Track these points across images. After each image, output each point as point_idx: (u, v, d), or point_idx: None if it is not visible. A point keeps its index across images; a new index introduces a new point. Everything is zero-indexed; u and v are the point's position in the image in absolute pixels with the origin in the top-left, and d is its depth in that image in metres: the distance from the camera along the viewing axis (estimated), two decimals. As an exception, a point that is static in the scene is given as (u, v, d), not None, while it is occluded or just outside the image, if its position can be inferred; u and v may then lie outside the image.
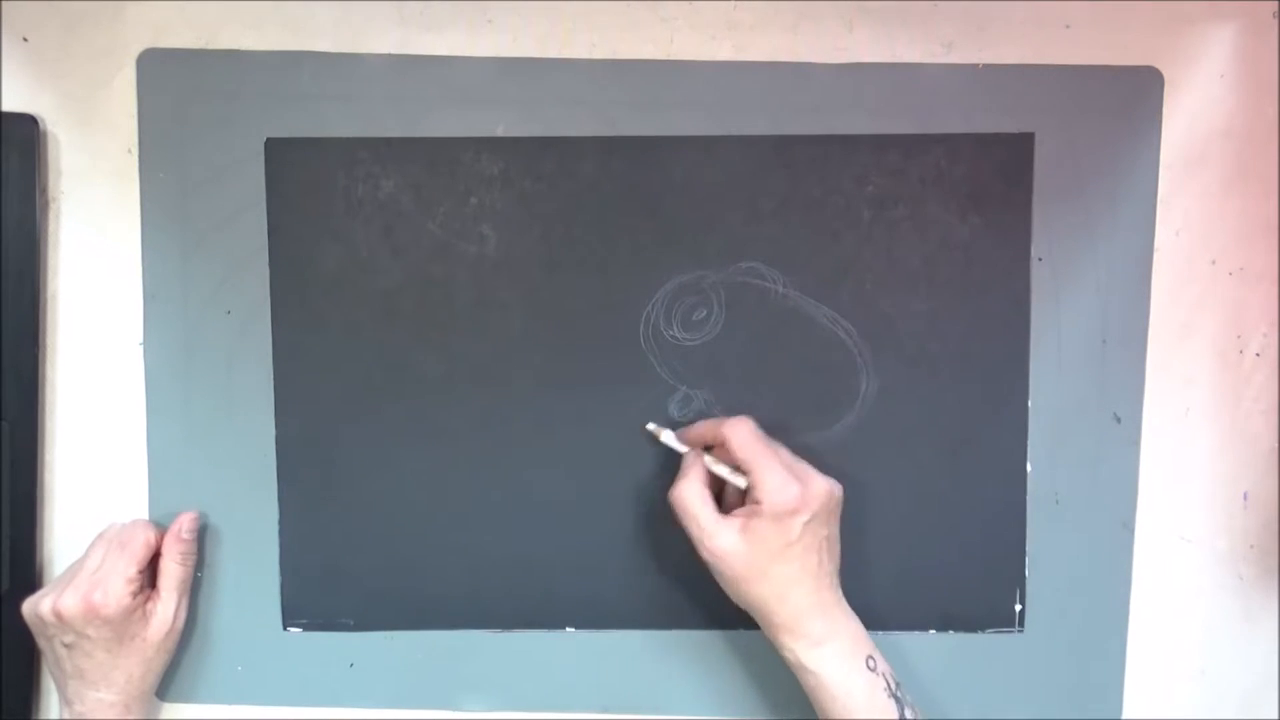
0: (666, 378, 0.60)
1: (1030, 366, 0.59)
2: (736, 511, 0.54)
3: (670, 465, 0.59)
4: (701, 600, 0.61)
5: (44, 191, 0.60)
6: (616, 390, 0.60)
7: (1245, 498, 0.61)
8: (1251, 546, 0.61)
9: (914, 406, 0.60)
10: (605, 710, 0.62)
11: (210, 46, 0.59)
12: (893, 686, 0.54)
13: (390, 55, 0.59)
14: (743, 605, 0.55)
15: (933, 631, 0.61)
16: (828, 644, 0.54)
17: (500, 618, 0.62)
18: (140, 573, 0.57)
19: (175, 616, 0.58)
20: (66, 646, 0.56)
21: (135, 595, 0.57)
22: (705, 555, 0.54)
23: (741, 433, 0.55)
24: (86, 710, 0.56)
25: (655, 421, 0.59)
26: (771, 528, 0.53)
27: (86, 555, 0.58)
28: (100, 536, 0.59)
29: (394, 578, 0.61)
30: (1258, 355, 0.60)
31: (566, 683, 0.62)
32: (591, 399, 0.60)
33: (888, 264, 0.59)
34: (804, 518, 0.53)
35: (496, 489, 0.61)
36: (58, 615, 0.55)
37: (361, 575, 0.61)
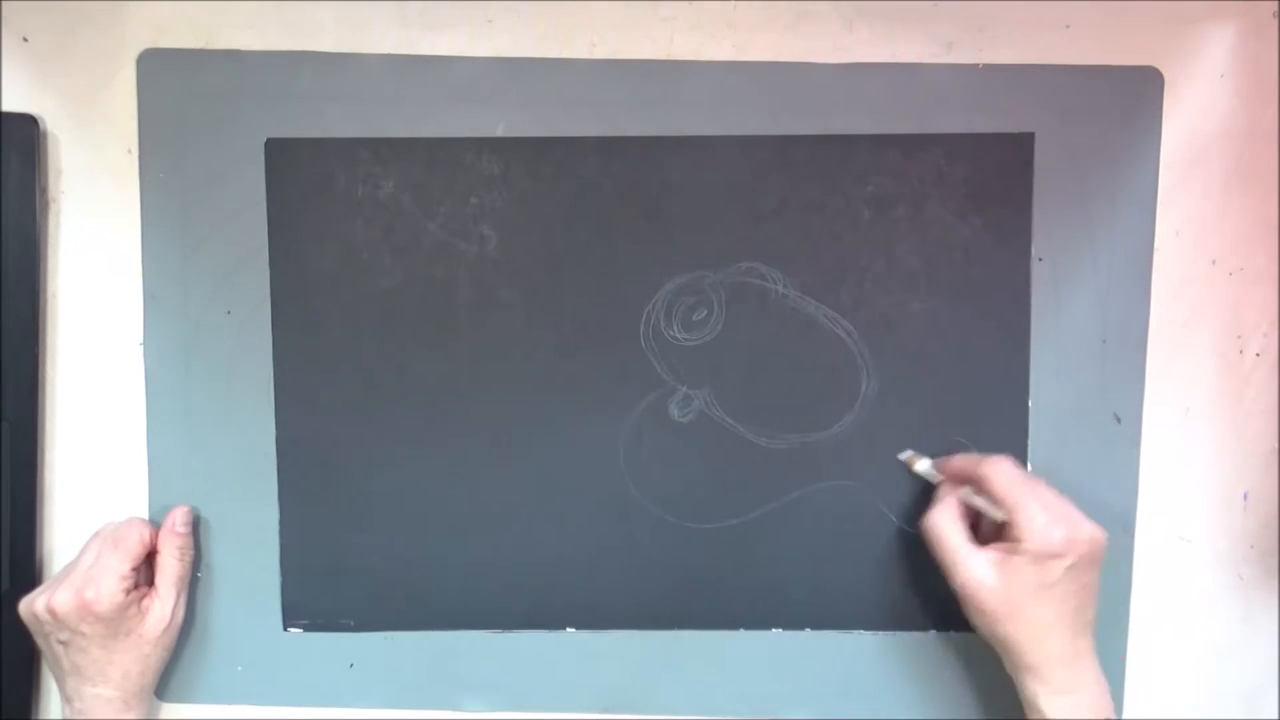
0: (666, 378, 0.60)
1: (1030, 366, 0.59)
2: (994, 545, 0.54)
3: (675, 451, 0.59)
4: (702, 600, 0.61)
5: (44, 191, 0.60)
6: (617, 390, 0.60)
7: (1245, 498, 0.61)
8: (1251, 546, 0.61)
9: (914, 406, 0.60)
10: (605, 710, 0.62)
11: (210, 46, 0.59)
12: None
13: (390, 55, 0.59)
14: (990, 641, 0.55)
15: (933, 631, 0.61)
16: (1071, 695, 0.53)
17: (500, 618, 0.62)
18: (134, 569, 0.57)
19: (173, 612, 0.58)
20: (62, 644, 0.56)
21: (129, 592, 0.57)
22: (957, 584, 0.54)
23: (1004, 471, 0.54)
24: (85, 707, 0.56)
25: (911, 450, 0.59)
26: (1031, 568, 0.52)
27: (81, 553, 0.58)
28: (95, 535, 0.59)
29: (394, 577, 0.61)
30: (1258, 355, 0.60)
31: (566, 683, 0.62)
32: (591, 399, 0.60)
33: (888, 264, 0.59)
34: (1068, 562, 0.52)
35: (497, 489, 0.61)
36: (51, 613, 0.55)
37: (362, 575, 0.61)
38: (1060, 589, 0.52)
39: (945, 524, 0.55)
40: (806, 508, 0.60)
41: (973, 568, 0.53)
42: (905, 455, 0.59)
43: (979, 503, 0.56)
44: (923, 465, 0.58)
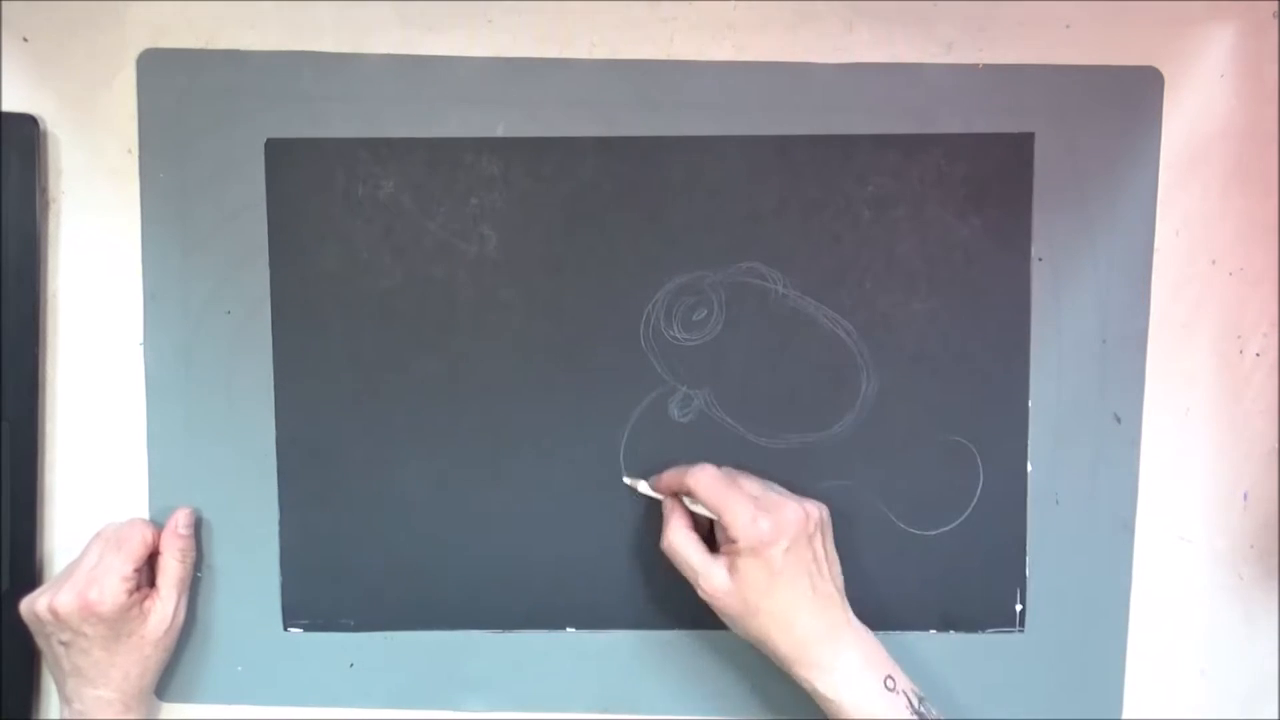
0: (667, 378, 0.60)
1: (1030, 366, 0.59)
2: (724, 549, 0.55)
3: (675, 452, 0.59)
4: (702, 601, 0.61)
5: (44, 191, 0.60)
6: (617, 390, 0.60)
7: (1245, 498, 0.61)
8: (1251, 546, 0.61)
9: (914, 406, 0.60)
10: (605, 710, 0.62)
11: (210, 46, 0.59)
12: (915, 703, 0.53)
13: (390, 55, 0.59)
14: (751, 643, 0.55)
15: (933, 631, 0.61)
16: (839, 668, 0.53)
17: (500, 618, 0.62)
18: (136, 571, 0.57)
19: (174, 614, 0.58)
20: (64, 645, 0.56)
21: (131, 593, 0.57)
22: (703, 596, 0.55)
23: (704, 480, 0.55)
24: (85, 708, 0.56)
25: (630, 473, 0.60)
26: (753, 563, 0.53)
27: (83, 554, 0.58)
28: (97, 535, 0.59)
29: (394, 578, 0.61)
30: (1258, 355, 0.60)
31: (566, 683, 0.62)
32: (591, 399, 0.60)
33: (888, 264, 0.59)
34: (781, 547, 0.53)
35: (497, 489, 0.61)
36: (54, 613, 0.55)
37: (362, 575, 0.61)
38: (787, 574, 0.53)
39: (679, 541, 0.55)
40: (806, 508, 0.60)
41: (712, 578, 0.54)
42: (627, 480, 0.60)
43: (697, 508, 0.56)
44: (642, 486, 0.59)
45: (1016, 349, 0.59)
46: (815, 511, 0.55)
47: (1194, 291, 0.60)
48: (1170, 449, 0.60)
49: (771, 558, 0.53)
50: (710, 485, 0.55)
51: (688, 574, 0.55)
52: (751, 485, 0.56)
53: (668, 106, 0.59)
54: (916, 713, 0.53)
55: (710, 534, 0.57)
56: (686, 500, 0.56)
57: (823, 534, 0.55)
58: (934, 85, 0.58)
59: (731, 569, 0.54)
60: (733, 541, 0.53)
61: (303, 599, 0.62)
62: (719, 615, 0.55)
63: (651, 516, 0.60)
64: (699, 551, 0.55)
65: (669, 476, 0.58)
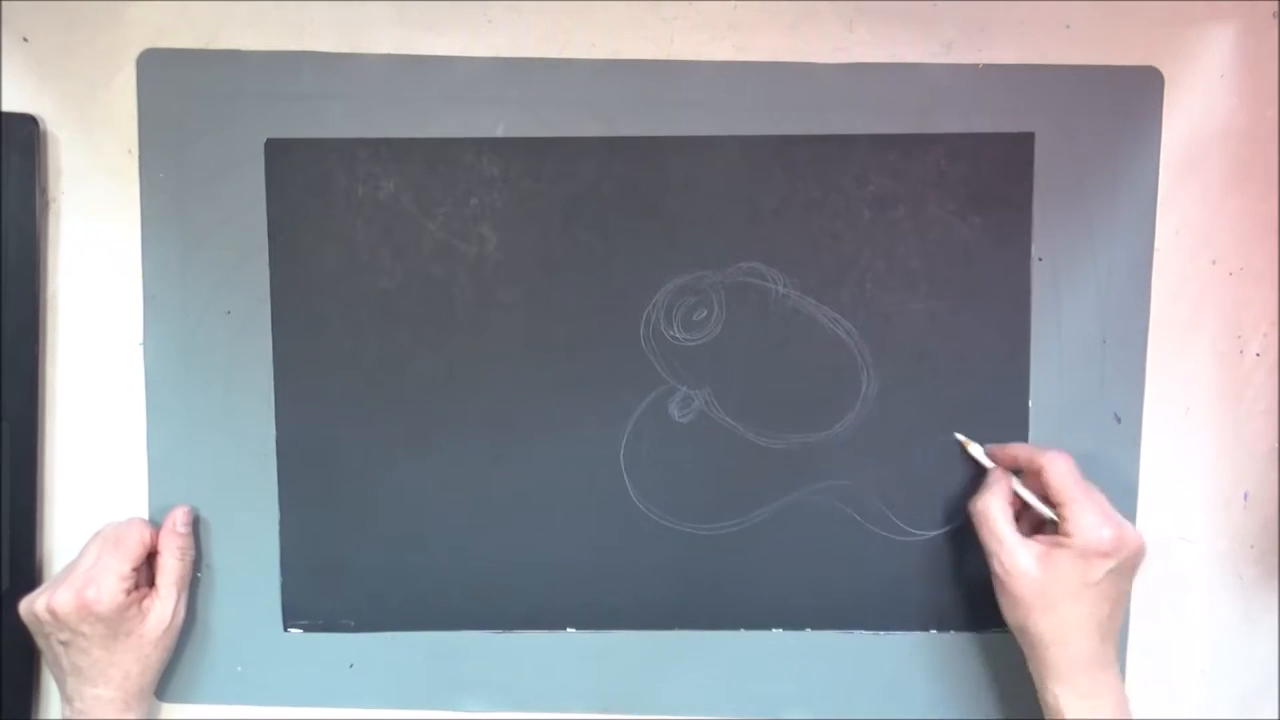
0: (667, 378, 0.60)
1: (1030, 366, 0.59)
2: (1040, 538, 0.54)
3: (676, 452, 0.59)
4: (702, 601, 0.61)
5: (44, 191, 0.60)
6: (617, 391, 0.60)
7: (1245, 498, 0.61)
8: (1251, 546, 0.61)
9: (914, 406, 0.60)
10: (605, 710, 0.62)
11: (210, 46, 0.59)
12: None
13: (390, 55, 0.59)
14: (1018, 632, 0.55)
15: (933, 631, 0.61)
16: (1091, 700, 0.53)
17: (500, 618, 0.62)
18: (135, 570, 0.57)
19: (174, 613, 0.58)
20: (63, 644, 0.56)
21: (130, 592, 0.57)
22: (998, 569, 0.54)
23: (1061, 466, 0.54)
24: (85, 707, 0.56)
25: (962, 435, 0.59)
26: (1075, 564, 0.52)
27: (82, 553, 0.58)
28: (96, 535, 0.59)
29: (395, 578, 0.61)
30: (1258, 355, 0.60)
31: (566, 683, 0.62)
32: (592, 399, 0.60)
33: (888, 264, 0.59)
34: (1111, 564, 0.52)
35: (497, 489, 0.61)
36: (52, 613, 0.55)
37: (362, 575, 0.61)
38: (1099, 590, 0.52)
39: (995, 509, 0.55)
40: (807, 508, 0.60)
41: (1018, 556, 0.53)
42: (960, 436, 0.59)
43: (1027, 495, 0.56)
44: (975, 449, 0.59)
45: (1016, 349, 0.59)
46: (1145, 547, 0.54)
47: (1194, 291, 0.60)
48: (1170, 449, 0.60)
49: (1096, 568, 0.52)
50: (1068, 472, 0.54)
51: (990, 542, 0.54)
52: (1101, 495, 0.55)
53: (668, 106, 0.59)
54: None
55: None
56: (1015, 482, 0.56)
57: (1135, 572, 0.54)
58: (934, 85, 0.58)
59: (1044, 559, 0.53)
60: (1065, 535, 0.53)
61: (303, 599, 0.62)
62: (999, 594, 0.54)
63: (651, 515, 0.60)
64: (1011, 526, 0.54)
65: (1018, 449, 0.57)
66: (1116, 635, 0.54)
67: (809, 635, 0.61)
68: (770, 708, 0.61)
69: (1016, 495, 0.56)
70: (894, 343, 0.59)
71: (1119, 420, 0.60)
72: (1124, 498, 0.60)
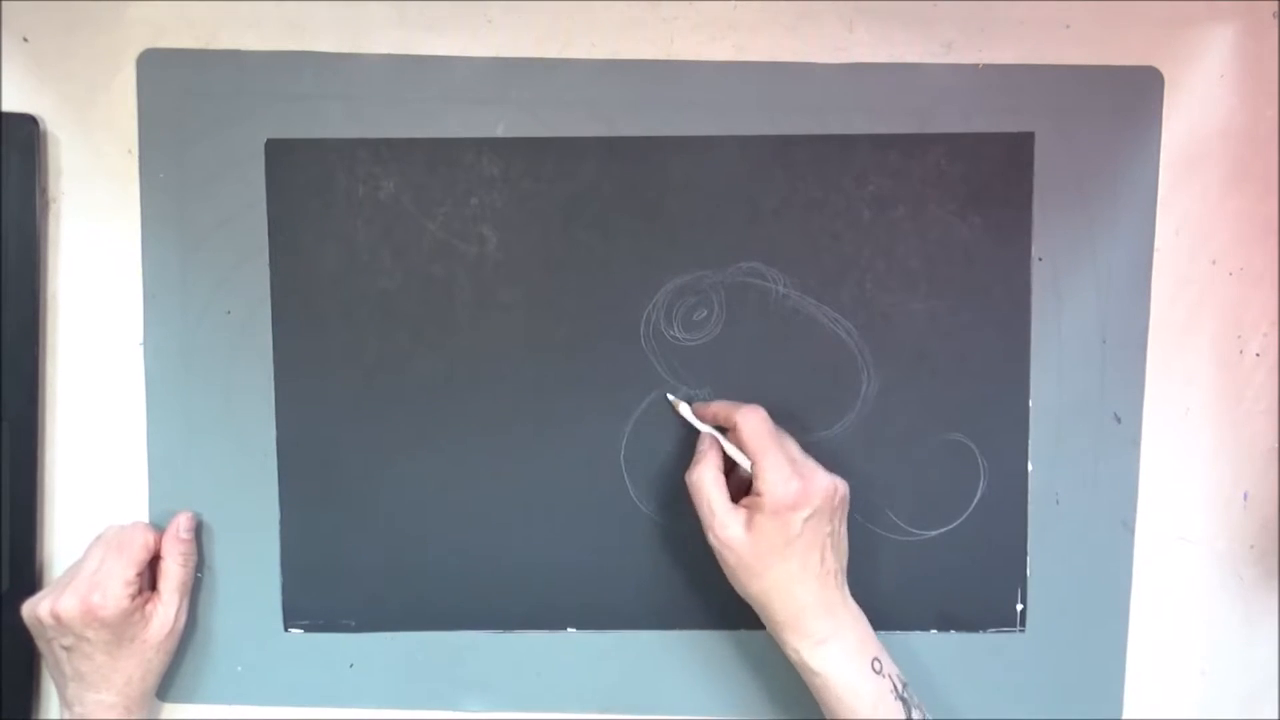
0: (667, 378, 0.60)
1: (1030, 366, 0.59)
2: (743, 502, 0.54)
3: (675, 452, 0.59)
4: (702, 600, 0.61)
5: (44, 191, 0.60)
6: (617, 391, 0.60)
7: (1245, 498, 0.61)
8: (1251, 547, 0.61)
9: (914, 406, 0.60)
10: (605, 710, 0.62)
11: (210, 46, 0.59)
12: (900, 688, 0.53)
13: (390, 55, 0.59)
14: (746, 599, 0.55)
15: (933, 631, 0.61)
16: (831, 643, 0.53)
17: (501, 618, 0.62)
18: (139, 575, 0.57)
19: (176, 618, 0.58)
20: (65, 649, 0.56)
21: (134, 597, 0.57)
22: (712, 541, 0.54)
23: (752, 421, 0.54)
24: (86, 712, 0.56)
25: (672, 397, 0.59)
26: (772, 521, 0.52)
27: (85, 557, 0.58)
28: (99, 539, 0.59)
29: (395, 578, 0.61)
30: (1258, 355, 0.60)
31: (567, 683, 0.62)
32: (592, 399, 0.60)
33: (888, 264, 0.59)
34: (804, 513, 0.52)
35: (497, 489, 0.61)
36: (56, 618, 0.55)
37: (363, 576, 0.61)
38: (802, 541, 0.53)
39: (707, 479, 0.55)
40: (807, 508, 0.60)
41: (729, 526, 0.53)
42: (671, 397, 0.59)
43: (732, 451, 0.56)
44: (684, 409, 0.58)
45: (1017, 349, 0.59)
46: (842, 488, 0.54)
47: (1194, 291, 0.60)
48: (1170, 449, 0.60)
49: (792, 521, 0.52)
50: (757, 428, 0.54)
51: (704, 514, 0.54)
52: (792, 448, 0.55)
53: (668, 106, 0.59)
54: (900, 698, 0.53)
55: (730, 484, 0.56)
56: (723, 442, 0.56)
57: (842, 511, 0.55)
58: (934, 85, 0.58)
59: (749, 524, 0.53)
60: (758, 495, 0.53)
61: (303, 600, 0.62)
62: (722, 565, 0.55)
63: (651, 515, 0.60)
64: (722, 495, 0.54)
65: (718, 406, 0.57)
66: (838, 574, 0.54)
67: (809, 635, 0.61)
68: (770, 708, 0.61)
69: (727, 456, 0.56)
70: (894, 343, 0.59)
71: (1119, 420, 0.60)
72: (1124, 498, 0.60)
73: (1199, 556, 0.61)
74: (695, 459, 0.56)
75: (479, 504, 0.61)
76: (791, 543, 0.53)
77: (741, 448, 0.55)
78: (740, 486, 0.56)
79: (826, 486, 0.53)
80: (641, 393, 0.60)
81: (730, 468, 0.56)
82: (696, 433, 0.58)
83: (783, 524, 0.52)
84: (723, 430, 0.57)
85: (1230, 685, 0.62)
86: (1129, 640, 0.61)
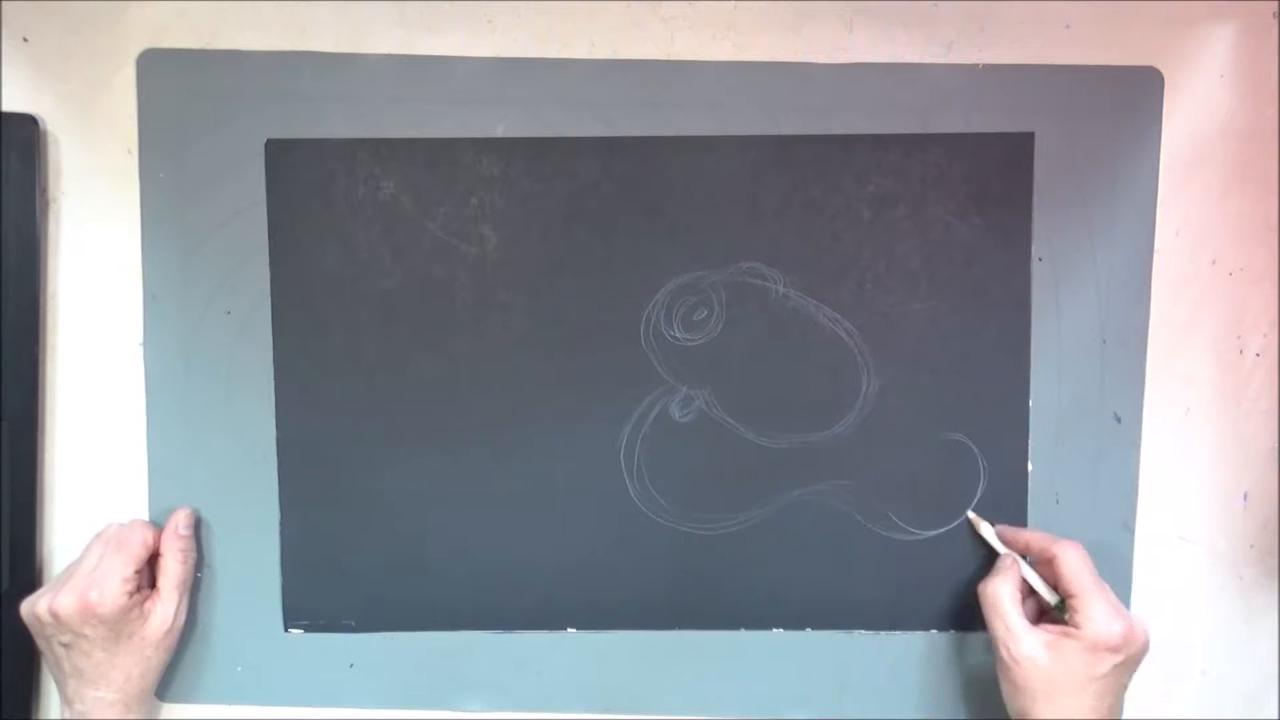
0: (667, 378, 0.60)
1: (1030, 366, 0.59)
2: (1048, 626, 0.54)
3: (676, 452, 0.59)
4: (702, 600, 0.61)
5: (44, 191, 0.60)
6: (617, 391, 0.60)
7: (1245, 498, 0.61)
8: (1251, 547, 0.61)
9: (914, 406, 0.60)
10: (605, 710, 0.62)
11: (210, 46, 0.59)
12: None
13: (390, 55, 0.59)
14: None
15: (933, 631, 0.61)
16: None
17: (501, 618, 0.62)
18: (137, 572, 0.57)
19: (175, 615, 0.58)
20: (64, 646, 0.56)
21: (132, 595, 0.57)
22: (1004, 655, 0.54)
23: (1075, 556, 0.55)
24: (86, 709, 0.56)
25: (973, 514, 0.60)
26: (1083, 656, 0.52)
27: (84, 555, 0.58)
28: (98, 536, 0.59)
29: (395, 578, 0.61)
30: (1258, 355, 0.60)
31: (566, 683, 0.62)
32: (592, 399, 0.60)
33: (888, 264, 0.59)
34: (1119, 659, 0.52)
35: (497, 489, 0.61)
36: (54, 615, 0.55)
37: (363, 576, 0.61)
38: (1104, 683, 0.53)
39: (1005, 594, 0.55)
40: (807, 508, 0.60)
41: (1025, 643, 0.54)
42: (972, 515, 0.60)
43: (1034, 579, 0.56)
44: (986, 530, 0.59)
45: (1016, 349, 0.59)
46: (1148, 643, 0.54)
47: (1194, 291, 0.60)
48: (1170, 449, 0.60)
49: (1104, 661, 0.52)
50: (1081, 563, 0.54)
51: (998, 627, 0.55)
52: (1110, 591, 0.55)
53: (668, 106, 0.59)
54: None
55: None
56: (1024, 567, 0.56)
57: (1138, 667, 0.54)
58: (934, 85, 0.58)
59: (1052, 648, 0.53)
60: (1075, 627, 0.53)
61: (303, 599, 0.62)
62: (1003, 680, 0.54)
63: (651, 515, 0.60)
64: (1019, 612, 0.55)
65: (1030, 536, 0.58)
66: None
67: (809, 635, 0.61)
68: (770, 708, 0.61)
69: (1024, 580, 0.57)
70: (894, 343, 0.59)
71: (1119, 420, 0.60)
72: (1124, 498, 0.60)
73: (1199, 556, 0.61)
74: (994, 572, 0.57)
75: (479, 504, 0.61)
76: (1094, 681, 0.52)
77: (1058, 580, 0.55)
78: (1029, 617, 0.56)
79: (1145, 640, 0.53)
80: (641, 393, 0.60)
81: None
82: (694, 436, 0.58)
83: (1094, 661, 0.52)
84: (1023, 556, 0.57)
85: (1230, 685, 0.62)
86: (1129, 640, 0.61)
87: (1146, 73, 0.58)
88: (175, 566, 0.59)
